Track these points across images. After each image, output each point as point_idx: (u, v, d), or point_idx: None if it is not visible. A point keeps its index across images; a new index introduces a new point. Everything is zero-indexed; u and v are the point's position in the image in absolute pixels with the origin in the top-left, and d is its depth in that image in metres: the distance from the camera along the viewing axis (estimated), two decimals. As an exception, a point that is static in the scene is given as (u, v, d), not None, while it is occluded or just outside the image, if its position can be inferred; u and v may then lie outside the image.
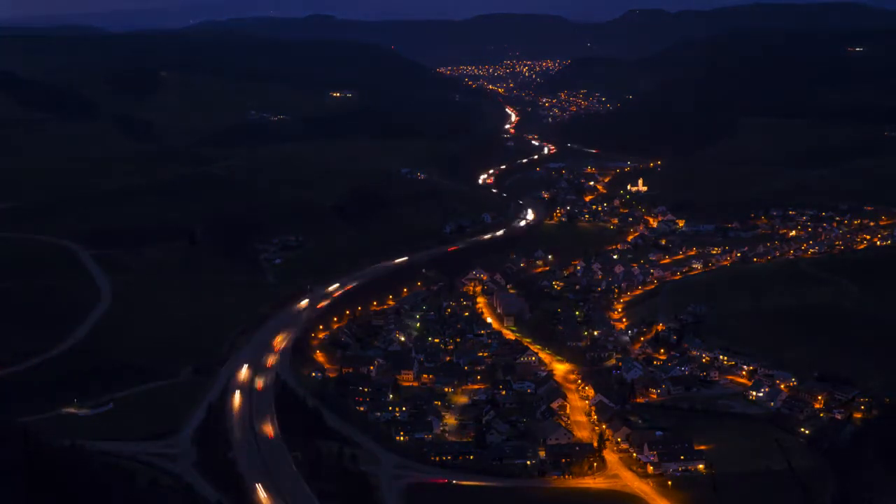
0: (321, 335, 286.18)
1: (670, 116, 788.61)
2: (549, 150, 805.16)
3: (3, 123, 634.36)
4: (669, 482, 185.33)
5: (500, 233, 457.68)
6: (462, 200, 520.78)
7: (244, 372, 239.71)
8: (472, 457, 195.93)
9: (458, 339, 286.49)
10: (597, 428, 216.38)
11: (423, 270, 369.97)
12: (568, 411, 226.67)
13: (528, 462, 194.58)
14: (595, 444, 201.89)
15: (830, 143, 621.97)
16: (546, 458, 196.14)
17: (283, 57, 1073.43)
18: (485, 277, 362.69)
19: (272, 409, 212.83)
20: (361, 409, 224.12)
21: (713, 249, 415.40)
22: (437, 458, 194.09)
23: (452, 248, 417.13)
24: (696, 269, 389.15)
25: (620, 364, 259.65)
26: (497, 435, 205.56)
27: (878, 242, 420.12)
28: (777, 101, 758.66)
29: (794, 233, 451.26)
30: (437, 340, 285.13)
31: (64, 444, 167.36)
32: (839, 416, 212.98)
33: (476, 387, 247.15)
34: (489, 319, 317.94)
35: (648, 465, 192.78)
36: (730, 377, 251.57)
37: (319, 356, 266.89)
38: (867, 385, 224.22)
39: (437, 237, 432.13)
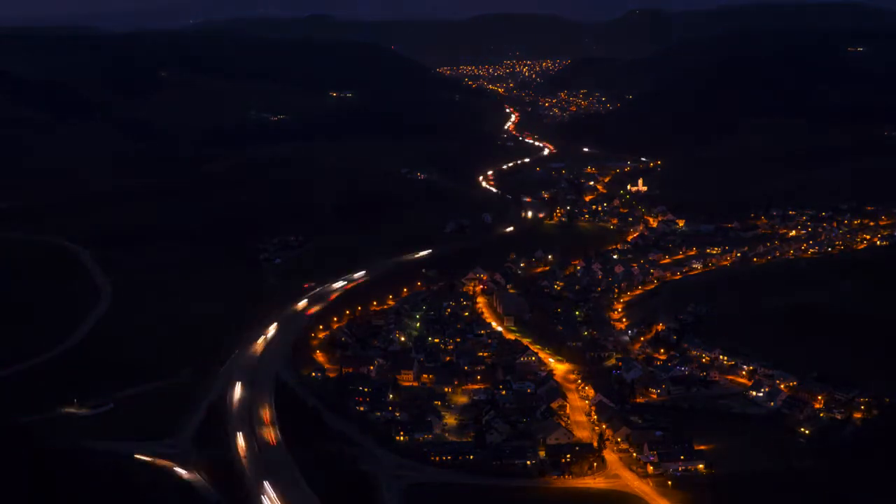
0: (321, 335, 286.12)
1: (670, 116, 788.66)
2: (549, 150, 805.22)
3: (3, 123, 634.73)
4: (669, 482, 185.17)
5: (500, 233, 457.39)
6: (462, 200, 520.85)
7: (244, 372, 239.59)
8: (472, 457, 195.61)
9: (458, 339, 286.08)
10: (597, 428, 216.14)
11: (423, 270, 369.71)
12: (568, 411, 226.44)
13: (528, 462, 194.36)
14: (595, 444, 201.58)
15: (830, 143, 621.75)
16: (546, 458, 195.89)
17: (283, 57, 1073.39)
18: (485, 277, 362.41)
19: (272, 409, 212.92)
20: (361, 409, 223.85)
21: (713, 249, 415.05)
22: (437, 458, 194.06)
23: (452, 248, 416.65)
24: (696, 269, 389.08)
25: (620, 364, 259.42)
26: (497, 435, 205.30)
27: (878, 242, 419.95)
28: (777, 101, 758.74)
29: (794, 233, 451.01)
30: (437, 340, 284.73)
31: (64, 444, 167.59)
32: (839, 416, 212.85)
33: (476, 387, 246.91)
34: (489, 319, 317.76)
35: (648, 465, 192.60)
36: (730, 377, 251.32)
37: (319, 356, 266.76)
38: (867, 385, 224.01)
39: (437, 237, 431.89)
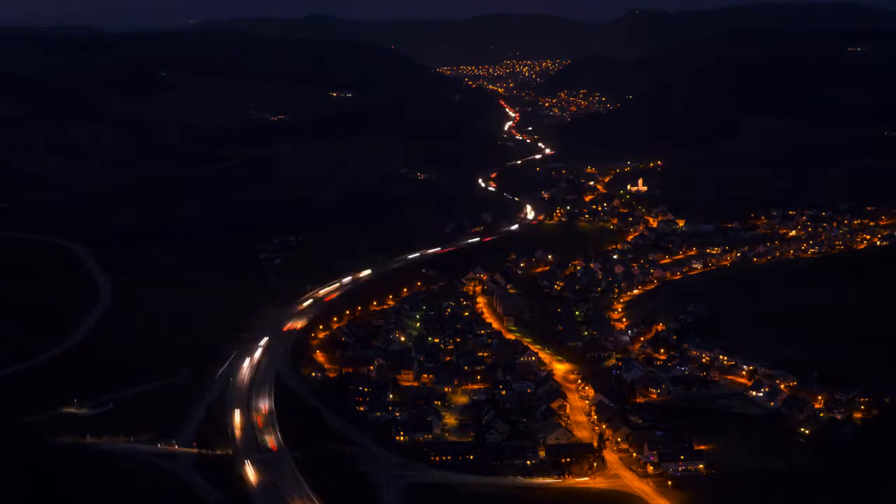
0: (321, 335, 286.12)
1: (670, 116, 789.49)
2: (549, 150, 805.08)
3: (3, 123, 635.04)
4: (669, 482, 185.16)
5: (500, 233, 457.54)
6: (462, 200, 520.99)
7: (244, 372, 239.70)
8: (472, 457, 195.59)
9: (458, 339, 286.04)
10: (597, 428, 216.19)
11: (423, 270, 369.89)
12: (568, 411, 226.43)
13: (528, 462, 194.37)
14: (595, 444, 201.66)
15: (830, 143, 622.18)
16: (546, 458, 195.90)
17: (283, 57, 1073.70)
18: (485, 277, 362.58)
19: (272, 409, 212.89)
20: (361, 409, 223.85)
21: (713, 249, 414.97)
22: (437, 458, 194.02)
23: (452, 249, 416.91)
24: (696, 269, 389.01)
25: (620, 364, 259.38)
26: (497, 435, 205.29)
27: (878, 242, 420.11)
28: (777, 101, 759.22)
29: (794, 233, 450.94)
30: (437, 340, 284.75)
31: (64, 444, 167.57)
32: (839, 416, 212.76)
33: (476, 387, 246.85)
34: (489, 319, 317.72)
35: (648, 465, 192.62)
36: (730, 377, 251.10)
37: (319, 356, 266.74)
38: (867, 385, 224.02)
39: (437, 237, 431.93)
